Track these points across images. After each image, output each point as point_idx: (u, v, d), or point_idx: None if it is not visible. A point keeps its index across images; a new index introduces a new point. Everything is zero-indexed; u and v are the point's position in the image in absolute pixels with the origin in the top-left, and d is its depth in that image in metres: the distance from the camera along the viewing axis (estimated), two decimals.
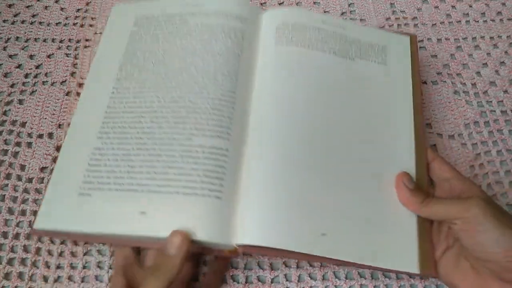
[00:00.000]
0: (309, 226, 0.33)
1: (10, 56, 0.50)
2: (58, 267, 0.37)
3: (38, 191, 0.41)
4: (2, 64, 0.49)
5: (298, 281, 0.38)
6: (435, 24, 0.51)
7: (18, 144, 0.44)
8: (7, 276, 0.37)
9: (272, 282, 0.38)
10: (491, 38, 0.50)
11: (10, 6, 0.54)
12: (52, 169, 0.38)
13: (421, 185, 0.36)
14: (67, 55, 0.50)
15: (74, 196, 0.34)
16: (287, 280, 0.38)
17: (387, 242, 0.34)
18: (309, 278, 0.38)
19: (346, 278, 0.38)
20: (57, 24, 0.52)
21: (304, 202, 0.34)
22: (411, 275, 0.38)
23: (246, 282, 0.38)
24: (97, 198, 0.34)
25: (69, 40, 0.51)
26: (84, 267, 0.37)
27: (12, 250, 0.38)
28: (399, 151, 0.38)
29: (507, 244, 0.29)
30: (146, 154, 0.35)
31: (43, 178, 0.42)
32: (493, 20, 0.51)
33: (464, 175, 0.35)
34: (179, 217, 0.32)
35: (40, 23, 0.53)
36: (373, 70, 0.41)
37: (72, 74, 0.48)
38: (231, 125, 0.36)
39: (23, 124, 0.45)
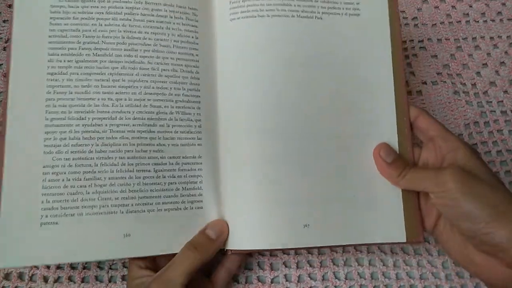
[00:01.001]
0: (289, 221, 0.33)
1: None
2: (58, 267, 0.37)
3: None
4: (2, 64, 0.49)
5: (298, 281, 0.38)
6: (435, 24, 0.51)
7: None
8: (7, 276, 0.37)
9: (272, 282, 0.38)
10: (491, 38, 0.50)
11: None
12: None
13: (403, 152, 0.35)
14: None
15: (35, 228, 0.30)
16: (287, 281, 0.38)
17: (374, 217, 0.34)
18: (309, 279, 0.38)
19: (346, 278, 0.38)
20: None
21: (282, 197, 0.33)
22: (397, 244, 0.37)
23: (246, 282, 0.38)
24: (66, 225, 0.30)
25: None
26: (84, 268, 0.37)
27: None
28: (379, 117, 0.35)
29: (482, 217, 0.28)
30: (114, 171, 0.32)
31: None
32: (493, 20, 0.51)
33: (450, 133, 0.33)
34: (165, 233, 0.32)
35: None
36: (345, 25, 0.37)
37: None
38: (200, 129, 0.34)
39: None
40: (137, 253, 0.31)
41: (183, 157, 0.33)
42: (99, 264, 0.38)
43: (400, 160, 0.34)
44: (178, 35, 0.35)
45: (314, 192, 0.33)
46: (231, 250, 0.33)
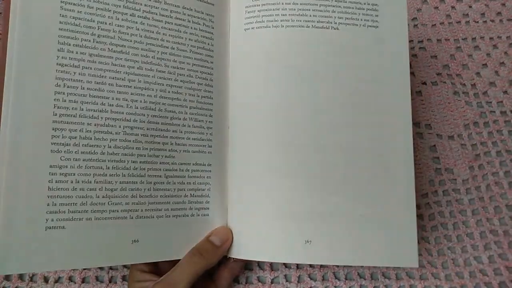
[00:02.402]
0: (291, 235, 0.32)
1: None
2: None
3: None
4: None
5: (298, 281, 0.38)
6: (435, 24, 0.51)
7: None
8: (7, 276, 0.37)
9: (272, 282, 0.38)
10: (491, 38, 0.50)
11: None
12: None
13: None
14: None
15: (40, 232, 0.28)
16: (287, 281, 0.38)
17: (383, 238, 0.32)
18: (309, 279, 0.38)
19: (345, 278, 0.38)
20: None
21: (285, 210, 0.33)
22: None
23: (246, 283, 0.38)
24: (74, 230, 0.29)
25: None
26: (84, 268, 0.38)
27: None
28: (394, 134, 0.34)
29: None
30: (126, 174, 0.30)
31: None
32: (492, 21, 0.51)
33: None
34: (172, 239, 0.32)
35: None
36: (362, 36, 0.35)
37: None
38: (211, 137, 0.34)
39: None
40: (145, 259, 0.31)
41: (193, 164, 0.33)
42: None
43: None
44: (195, 40, 0.34)
45: (319, 208, 0.33)
46: (233, 258, 0.34)
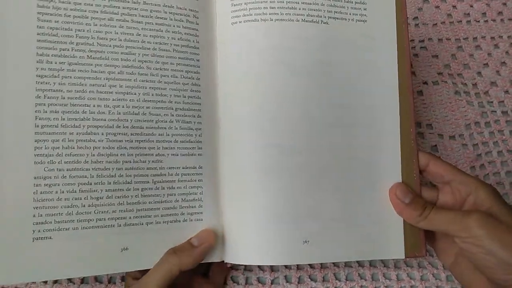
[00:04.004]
0: (288, 236, 0.32)
1: None
2: None
3: None
4: None
5: (298, 282, 0.38)
6: (436, 24, 0.51)
7: None
8: None
9: (272, 283, 0.38)
10: (492, 38, 0.50)
11: None
12: None
13: (411, 187, 0.33)
14: None
15: (27, 243, 0.28)
16: (287, 282, 0.38)
17: (373, 234, 0.33)
18: (309, 280, 0.38)
19: (346, 279, 0.38)
20: None
21: (281, 211, 0.32)
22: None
23: (246, 284, 0.38)
24: (61, 240, 0.29)
25: None
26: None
27: None
28: (384, 134, 0.34)
29: (506, 266, 0.27)
30: (111, 182, 0.30)
31: None
32: (494, 20, 0.51)
33: (466, 175, 0.32)
34: (163, 245, 0.31)
35: None
36: (352, 31, 0.35)
37: None
38: (201, 138, 0.32)
39: None
40: (135, 267, 0.30)
41: (183, 168, 0.32)
42: None
43: (419, 200, 0.32)
44: (178, 39, 0.33)
45: (314, 207, 0.32)
46: (229, 263, 0.33)
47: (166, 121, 0.32)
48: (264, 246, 0.32)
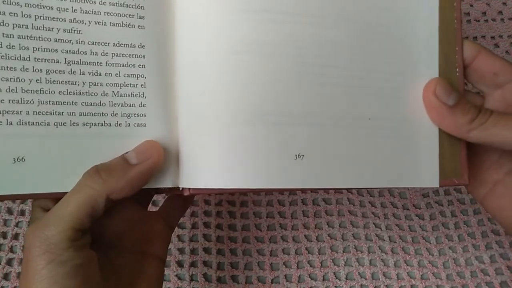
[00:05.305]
0: (275, 148, 0.23)
1: None
2: None
3: None
4: None
5: (298, 281, 0.38)
6: None
7: None
8: (6, 276, 0.37)
9: (272, 282, 0.38)
10: (492, 37, 0.50)
11: None
12: None
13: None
14: None
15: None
16: (287, 281, 0.38)
17: (396, 152, 0.24)
18: (309, 279, 0.38)
19: (346, 278, 0.38)
20: None
21: (266, 109, 0.23)
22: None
23: (246, 283, 0.38)
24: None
25: None
26: None
27: (11, 250, 0.38)
28: (415, 35, 0.25)
29: None
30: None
31: None
32: (494, 20, 0.51)
33: None
34: (83, 161, 0.22)
35: None
36: None
37: None
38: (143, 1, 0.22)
39: None
40: (33, 189, 0.21)
41: (113, 45, 0.22)
42: None
43: (467, 103, 0.23)
44: None
45: (311, 106, 0.23)
46: (189, 189, 0.24)
47: None
48: (238, 162, 0.23)
